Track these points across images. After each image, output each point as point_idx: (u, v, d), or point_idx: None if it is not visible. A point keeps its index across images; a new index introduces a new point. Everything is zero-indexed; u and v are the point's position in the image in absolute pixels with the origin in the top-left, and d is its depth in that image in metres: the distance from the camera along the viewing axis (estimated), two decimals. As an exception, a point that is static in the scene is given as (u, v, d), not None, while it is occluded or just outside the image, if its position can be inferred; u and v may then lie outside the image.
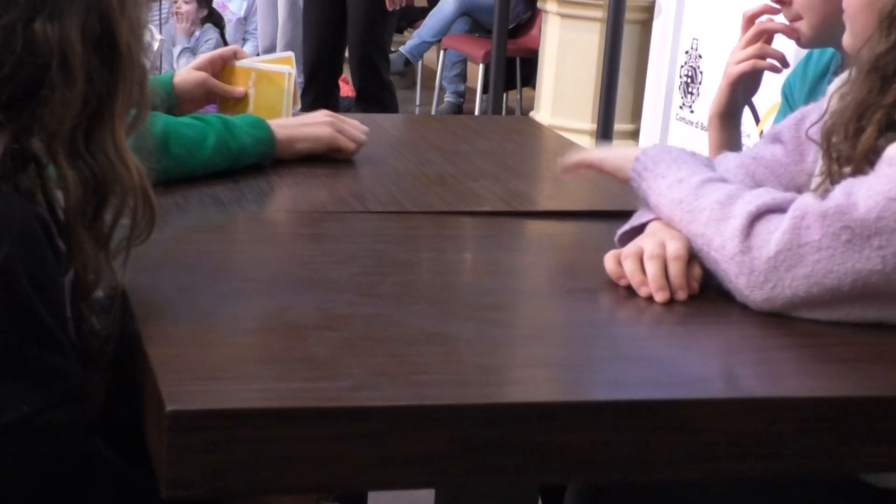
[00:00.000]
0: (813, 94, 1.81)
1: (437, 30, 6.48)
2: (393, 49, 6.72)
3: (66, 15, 1.01)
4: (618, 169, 1.42)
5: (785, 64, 1.79)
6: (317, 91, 4.91)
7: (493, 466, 1.00)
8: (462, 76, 6.54)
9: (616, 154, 1.45)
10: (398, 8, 4.66)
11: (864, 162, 1.24)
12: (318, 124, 1.73)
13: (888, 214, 1.15)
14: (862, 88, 1.26)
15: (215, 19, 6.05)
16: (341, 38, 4.80)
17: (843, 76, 1.33)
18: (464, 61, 6.46)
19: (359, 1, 4.67)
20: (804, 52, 1.87)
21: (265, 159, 1.67)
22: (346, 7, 4.72)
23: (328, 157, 1.81)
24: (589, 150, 1.47)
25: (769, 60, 1.78)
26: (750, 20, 1.78)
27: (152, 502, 1.03)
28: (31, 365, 0.99)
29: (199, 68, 1.76)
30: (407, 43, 6.59)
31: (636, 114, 5.03)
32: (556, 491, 1.56)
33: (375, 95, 4.77)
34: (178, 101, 1.72)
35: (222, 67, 1.79)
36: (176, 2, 5.76)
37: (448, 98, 6.53)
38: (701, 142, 1.93)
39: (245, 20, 6.48)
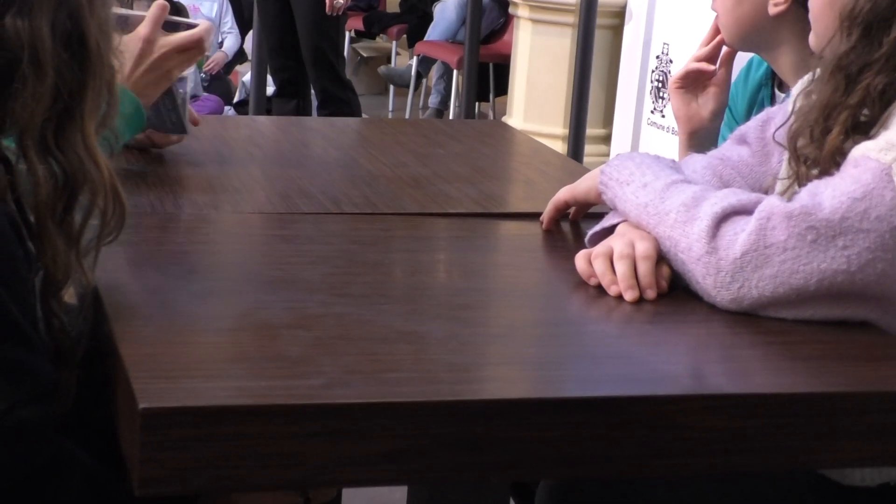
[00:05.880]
0: (753, 103, 1.84)
1: (444, 37, 6.50)
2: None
3: (37, 10, 1.01)
4: (588, 190, 1.44)
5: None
6: (290, 94, 4.89)
7: (464, 463, 1.01)
8: (447, 86, 6.54)
9: (582, 179, 1.46)
10: (339, 13, 4.63)
11: (831, 163, 1.26)
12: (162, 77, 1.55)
13: (852, 215, 1.17)
14: (826, 89, 1.28)
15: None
16: (297, 39, 4.75)
17: (807, 77, 1.35)
18: (450, 71, 6.47)
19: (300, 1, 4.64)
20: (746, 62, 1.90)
21: (137, 133, 1.57)
22: (292, 7, 4.67)
23: (302, 160, 1.82)
24: (556, 194, 1.49)
25: (696, 65, 1.80)
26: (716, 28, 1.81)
27: (124, 500, 1.03)
28: (1, 362, 0.99)
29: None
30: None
31: (608, 118, 5.06)
32: (527, 487, 1.57)
33: (338, 96, 4.73)
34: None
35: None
36: None
37: (431, 104, 6.55)
38: (672, 146, 1.95)
39: (218, 22, 6.48)
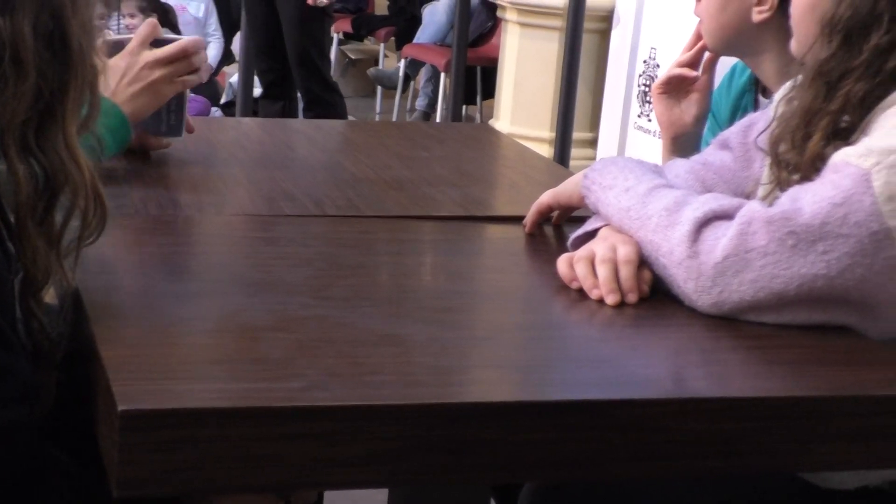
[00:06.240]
0: (736, 109, 1.85)
1: (434, 39, 6.50)
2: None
3: (19, 10, 1.01)
4: (570, 194, 1.44)
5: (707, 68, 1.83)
6: (276, 96, 4.90)
7: (446, 466, 1.01)
8: (435, 89, 6.55)
9: (565, 183, 1.47)
10: (321, 4, 4.62)
11: (812, 168, 1.27)
12: (154, 87, 1.58)
13: (832, 220, 1.17)
14: (807, 95, 1.29)
15: (169, 21, 6.02)
16: (283, 40, 4.76)
17: (788, 84, 1.36)
18: (438, 73, 6.46)
19: (287, 1, 4.65)
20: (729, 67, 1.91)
21: (124, 146, 1.60)
22: (278, 9, 4.69)
23: (287, 162, 1.82)
24: (539, 198, 1.50)
25: (678, 71, 1.81)
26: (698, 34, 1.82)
27: (104, 502, 1.03)
28: None
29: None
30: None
31: (594, 122, 5.07)
32: (510, 490, 1.57)
33: (323, 98, 4.74)
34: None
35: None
36: (124, 17, 5.75)
37: (418, 107, 6.56)
38: (659, 150, 1.95)
39: (204, 22, 6.46)
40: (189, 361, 1.06)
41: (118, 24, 5.60)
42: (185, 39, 1.63)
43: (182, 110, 1.69)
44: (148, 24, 1.60)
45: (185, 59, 1.60)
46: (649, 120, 4.43)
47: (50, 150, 1.04)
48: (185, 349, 1.09)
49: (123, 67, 1.56)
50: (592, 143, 5.11)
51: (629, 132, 4.60)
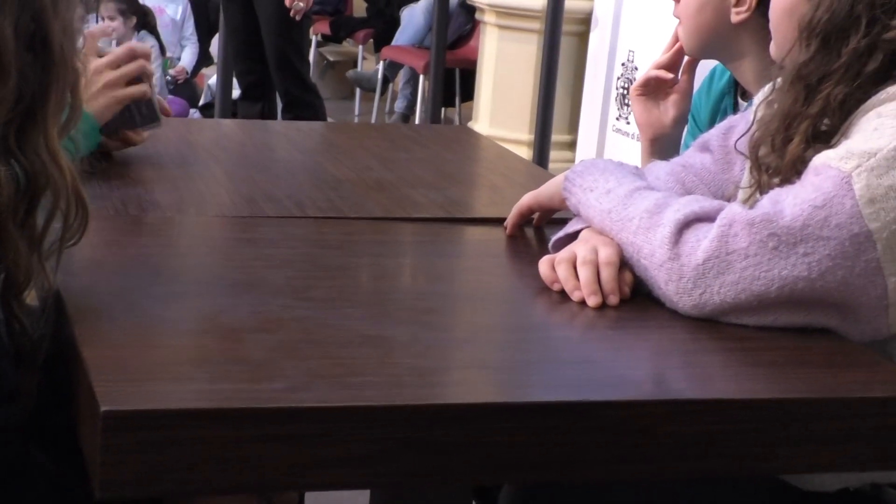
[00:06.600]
0: (716, 112, 1.86)
1: (412, 41, 6.50)
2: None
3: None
4: (552, 195, 1.45)
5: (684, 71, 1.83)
6: (255, 97, 4.88)
7: (427, 467, 1.01)
8: (414, 91, 6.55)
9: (546, 185, 1.47)
10: (297, 16, 4.61)
11: (792, 171, 1.28)
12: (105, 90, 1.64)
13: (813, 222, 1.18)
14: (787, 98, 1.29)
15: (149, 23, 6.00)
16: (262, 42, 4.74)
17: (768, 87, 1.37)
18: (416, 76, 6.47)
19: (265, 3, 4.64)
20: (711, 70, 1.92)
21: (94, 147, 1.63)
22: (256, 10, 4.69)
23: (267, 163, 1.82)
24: (520, 200, 1.50)
25: (655, 72, 1.82)
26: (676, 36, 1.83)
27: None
28: None
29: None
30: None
31: (573, 125, 5.08)
32: (490, 491, 1.57)
33: (302, 99, 4.73)
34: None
35: None
36: (103, 19, 5.74)
37: (397, 108, 6.56)
38: (638, 153, 1.96)
39: (181, 24, 6.44)
40: (171, 362, 1.06)
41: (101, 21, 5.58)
42: (125, 45, 1.69)
43: (151, 99, 1.69)
44: (87, 34, 1.64)
45: (135, 62, 1.65)
46: (628, 122, 4.45)
47: (31, 152, 1.03)
48: (167, 350, 1.09)
49: None
50: (571, 145, 5.12)
51: (608, 135, 4.62)
